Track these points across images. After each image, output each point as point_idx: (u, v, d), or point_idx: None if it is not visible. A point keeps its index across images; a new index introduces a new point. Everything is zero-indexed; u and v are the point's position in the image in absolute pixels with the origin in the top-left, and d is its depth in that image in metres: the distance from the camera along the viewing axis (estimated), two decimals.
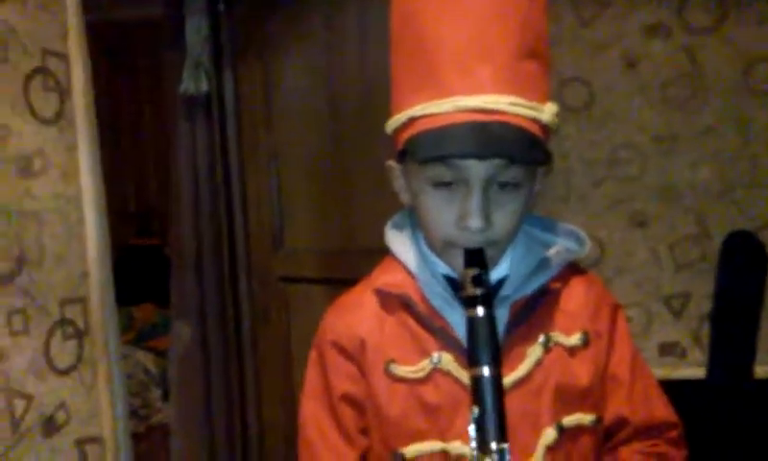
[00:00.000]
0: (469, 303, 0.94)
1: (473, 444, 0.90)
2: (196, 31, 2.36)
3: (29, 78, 1.55)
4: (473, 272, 0.94)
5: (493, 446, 0.89)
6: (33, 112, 1.54)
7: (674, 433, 1.09)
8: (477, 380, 0.91)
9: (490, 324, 0.92)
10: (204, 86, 2.42)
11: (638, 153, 2.17)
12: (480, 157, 0.92)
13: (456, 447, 0.97)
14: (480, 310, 0.92)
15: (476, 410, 0.90)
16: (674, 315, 2.20)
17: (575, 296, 1.06)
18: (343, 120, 2.30)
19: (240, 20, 2.55)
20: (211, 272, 2.68)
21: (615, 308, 1.10)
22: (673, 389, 2.20)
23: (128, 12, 2.66)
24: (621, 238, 2.20)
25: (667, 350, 2.23)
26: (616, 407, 1.06)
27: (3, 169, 1.44)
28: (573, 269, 1.09)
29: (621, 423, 1.07)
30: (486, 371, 0.90)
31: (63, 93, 1.59)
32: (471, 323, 0.93)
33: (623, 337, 1.08)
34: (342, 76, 2.24)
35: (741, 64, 2.08)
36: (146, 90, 3.19)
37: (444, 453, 1.00)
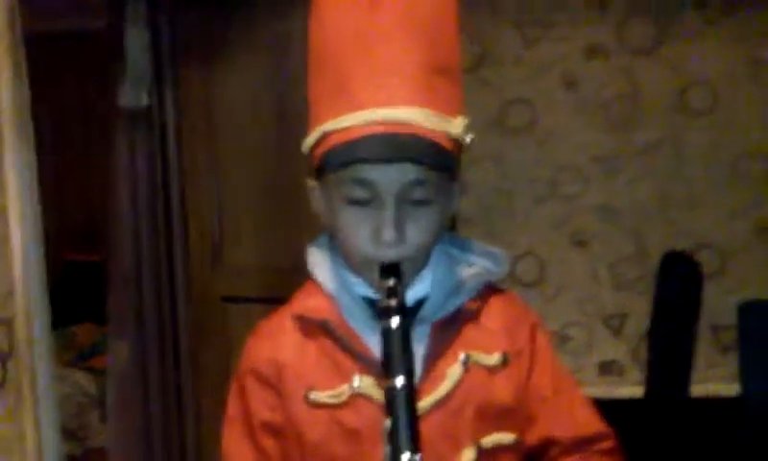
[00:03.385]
0: (384, 314, 0.94)
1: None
2: (136, 42, 2.33)
3: None
4: (388, 283, 0.95)
5: (405, 457, 0.88)
6: None
7: (607, 444, 1.08)
8: (390, 391, 0.90)
9: (403, 335, 0.93)
10: (144, 99, 2.39)
11: (579, 172, 2.22)
12: (387, 160, 0.93)
13: None
14: (394, 321, 0.93)
15: (388, 422, 0.89)
16: (613, 334, 2.25)
17: (494, 315, 1.07)
18: (289, 132, 2.29)
19: (182, 31, 2.52)
20: (150, 288, 2.63)
21: (535, 326, 1.10)
22: (612, 408, 2.25)
23: (70, 24, 2.60)
24: (562, 257, 2.24)
25: (607, 368, 2.27)
26: (542, 426, 1.06)
27: None
28: (492, 289, 1.10)
29: (549, 441, 1.06)
30: (398, 382, 0.90)
31: None
32: (386, 334, 0.93)
33: (544, 354, 1.09)
34: (287, 87, 2.22)
35: (678, 85, 2.15)
36: (93, 103, 3.15)
37: None
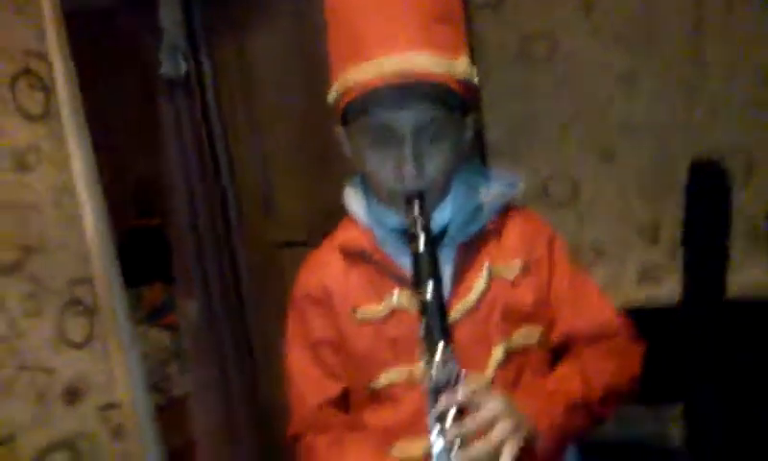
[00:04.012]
0: (412, 239, 1.07)
1: (423, 364, 1.03)
2: (169, 14, 2.44)
3: (14, 79, 1.67)
4: (413, 211, 1.08)
5: (438, 352, 1.01)
6: (22, 111, 1.65)
7: (623, 334, 1.20)
8: (422, 304, 1.04)
9: (430, 256, 1.05)
10: (183, 68, 2.51)
11: (602, 93, 2.26)
12: (400, 106, 1.05)
13: (417, 370, 1.08)
14: (421, 245, 1.05)
15: (423, 330, 1.03)
16: (648, 242, 2.31)
17: (513, 231, 1.19)
18: (321, 82, 2.39)
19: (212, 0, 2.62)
20: (209, 245, 2.79)
21: (551, 236, 1.22)
22: (652, 315, 2.33)
23: (105, 1, 2.72)
24: (591, 175, 2.31)
25: (644, 276, 2.34)
26: (564, 323, 1.18)
27: (0, 166, 1.56)
28: (511, 209, 1.22)
29: (571, 337, 1.18)
30: (429, 294, 1.03)
31: (48, 90, 1.70)
32: (415, 256, 1.06)
33: (561, 260, 1.20)
34: (314, 40, 2.30)
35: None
36: (130, 73, 3.27)
37: (410, 379, 1.13)
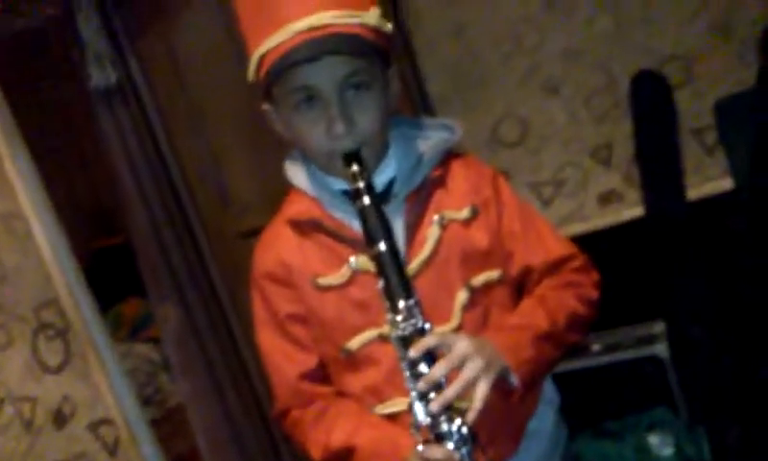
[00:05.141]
0: (356, 195, 1.08)
1: (388, 315, 1.05)
2: (88, 24, 2.41)
3: None
4: (353, 169, 1.09)
5: (401, 304, 1.03)
6: None
7: (576, 263, 1.22)
8: (376, 256, 1.05)
9: (376, 208, 1.07)
10: (113, 76, 2.48)
11: (536, 21, 2.27)
12: (313, 60, 1.05)
13: (387, 329, 1.09)
14: (366, 199, 1.07)
15: (382, 282, 1.05)
16: (604, 165, 2.35)
17: (458, 177, 1.21)
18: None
19: (130, 3, 2.58)
20: (174, 250, 2.78)
21: (495, 176, 1.24)
22: (616, 234, 2.37)
23: (20, 23, 2.66)
24: (538, 109, 2.33)
25: (605, 199, 2.38)
26: (519, 259, 1.20)
27: None
28: (453, 156, 1.23)
29: (526, 271, 1.21)
30: (381, 246, 1.05)
31: None
32: (361, 212, 1.07)
33: (508, 198, 1.22)
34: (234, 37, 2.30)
35: None
36: (68, 92, 3.23)
37: (382, 338, 1.14)
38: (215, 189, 2.73)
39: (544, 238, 1.22)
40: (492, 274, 1.19)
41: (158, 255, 2.77)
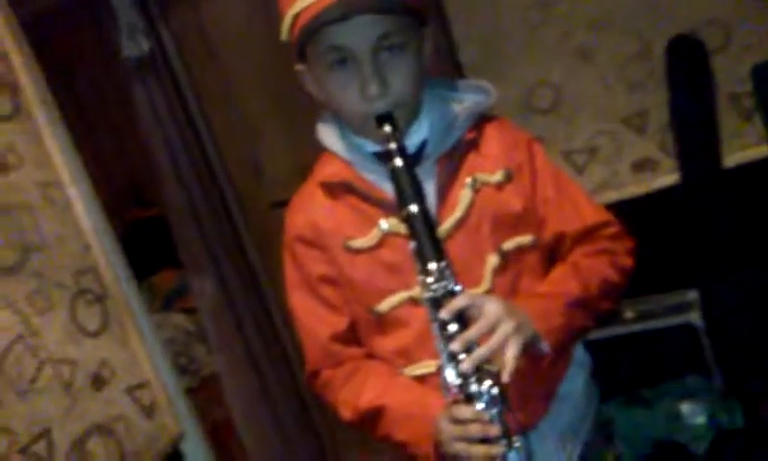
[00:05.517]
0: (387, 157, 1.08)
1: (419, 277, 1.05)
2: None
3: None
4: (385, 130, 1.08)
5: (433, 266, 1.03)
6: None
7: (611, 230, 1.21)
8: (408, 218, 1.05)
9: (408, 170, 1.07)
10: (145, 46, 2.50)
11: None
12: (347, 18, 1.04)
13: (418, 291, 1.10)
14: (398, 161, 1.07)
15: (413, 243, 1.05)
16: (638, 133, 2.31)
17: (491, 140, 1.20)
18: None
19: None
20: (209, 220, 2.81)
21: (530, 142, 1.23)
22: (652, 201, 2.34)
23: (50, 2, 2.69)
24: (571, 76, 2.30)
25: (640, 166, 2.35)
26: (552, 225, 1.19)
27: None
28: (486, 118, 1.22)
29: (560, 237, 1.20)
30: (413, 208, 1.05)
31: (13, 89, 1.71)
32: (393, 173, 1.07)
33: (542, 164, 1.21)
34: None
35: None
36: (100, 64, 3.26)
37: (412, 300, 1.15)
38: (248, 160, 2.74)
39: (579, 205, 1.21)
40: (525, 239, 1.18)
41: (193, 227, 2.81)
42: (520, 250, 1.18)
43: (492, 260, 1.15)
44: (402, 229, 1.11)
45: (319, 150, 1.26)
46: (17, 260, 1.60)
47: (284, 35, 1.14)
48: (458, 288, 1.04)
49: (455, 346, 1.01)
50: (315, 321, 1.24)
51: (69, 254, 1.73)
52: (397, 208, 1.08)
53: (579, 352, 1.28)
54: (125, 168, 4.32)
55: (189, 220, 2.82)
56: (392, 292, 1.17)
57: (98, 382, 1.73)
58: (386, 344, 1.21)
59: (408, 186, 1.06)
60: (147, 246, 4.12)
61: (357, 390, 1.20)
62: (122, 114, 2.91)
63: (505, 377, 0.99)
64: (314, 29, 1.06)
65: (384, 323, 1.19)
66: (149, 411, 1.87)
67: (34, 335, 1.59)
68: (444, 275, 1.03)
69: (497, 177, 1.18)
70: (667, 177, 2.32)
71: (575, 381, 1.24)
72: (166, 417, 1.94)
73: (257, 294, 3.00)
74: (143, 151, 2.82)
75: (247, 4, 2.45)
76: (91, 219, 1.80)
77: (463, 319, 1.03)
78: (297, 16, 1.09)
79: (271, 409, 3.04)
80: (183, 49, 2.68)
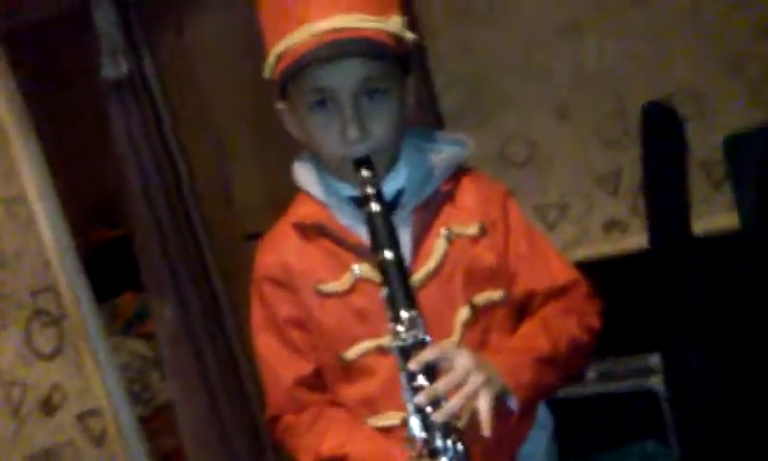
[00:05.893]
0: (365, 201, 1.07)
1: (389, 325, 1.03)
2: (105, 17, 2.42)
3: None
4: (363, 175, 1.08)
5: (404, 314, 1.02)
6: None
7: (581, 290, 1.21)
8: (381, 264, 1.04)
9: (384, 215, 1.06)
10: (124, 68, 2.49)
11: (548, 44, 2.28)
12: (331, 60, 1.04)
13: (387, 339, 1.07)
14: (374, 206, 1.06)
15: (385, 290, 1.03)
16: (610, 193, 2.34)
17: (467, 192, 1.20)
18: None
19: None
20: (175, 246, 2.78)
21: (505, 196, 1.23)
22: (620, 263, 2.35)
23: (36, 14, 2.67)
24: (548, 131, 2.33)
25: (610, 226, 2.37)
26: (523, 282, 1.19)
27: None
28: (463, 171, 1.22)
29: (530, 294, 1.19)
30: (388, 254, 1.03)
31: None
32: (369, 218, 1.06)
33: (516, 219, 1.21)
34: (254, 23, 2.30)
35: None
36: (77, 83, 3.22)
37: (380, 349, 1.13)
38: (220, 188, 2.74)
39: (550, 263, 1.21)
40: (495, 293, 1.17)
41: (159, 251, 2.77)
42: (491, 304, 1.17)
43: (463, 313, 1.15)
44: (375, 275, 1.09)
45: (292, 184, 1.24)
46: None
47: (267, 72, 1.13)
48: (428, 339, 1.02)
49: (422, 398, 0.99)
50: (280, 364, 1.21)
51: (28, 271, 1.70)
52: (371, 254, 1.07)
53: (542, 413, 1.26)
54: (95, 186, 4.27)
55: (155, 242, 2.80)
56: (360, 339, 1.15)
57: (48, 407, 1.69)
58: (351, 392, 1.18)
59: (383, 232, 1.05)
60: (111, 267, 4.06)
61: (319, 437, 1.17)
62: (96, 132, 2.88)
63: (486, 432, 0.97)
64: (298, 70, 1.06)
65: (350, 371, 1.17)
66: (98, 440, 1.82)
67: None
68: (414, 324, 1.02)
69: (472, 230, 1.17)
70: (636, 238, 2.35)
71: (537, 443, 1.22)
72: (116, 446, 1.88)
73: (219, 324, 2.96)
74: (115, 170, 2.80)
75: (230, 35, 2.46)
76: (55, 236, 1.77)
77: (431, 371, 1.01)
78: (281, 55, 1.09)
79: (224, 442, 2.98)
80: (164, 73, 2.68)
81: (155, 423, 3.44)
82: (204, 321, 2.92)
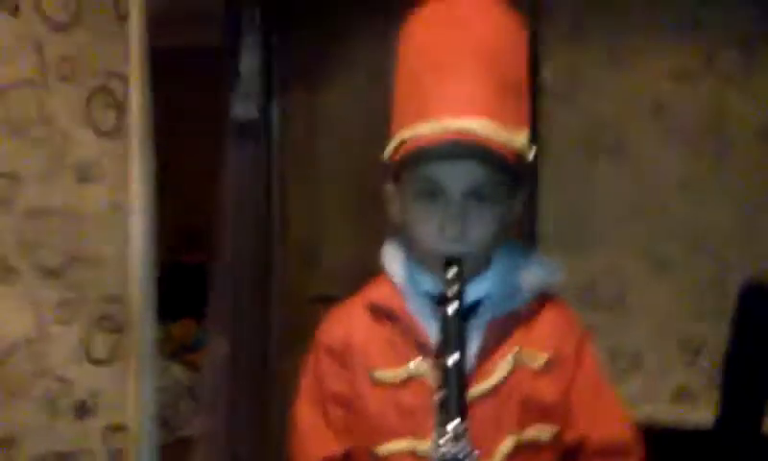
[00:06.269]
0: (443, 301, 1.04)
1: (435, 431, 0.99)
2: (249, 63, 2.54)
3: (92, 95, 1.74)
4: (450, 274, 1.05)
5: (452, 426, 0.97)
6: (93, 126, 1.71)
7: (637, 455, 1.14)
8: (443, 368, 1.01)
9: (460, 321, 1.03)
10: (254, 112, 2.58)
11: (663, 196, 2.24)
12: (451, 158, 1.05)
13: (424, 444, 1.04)
14: (451, 308, 1.03)
15: (440, 395, 1.00)
16: (688, 361, 2.25)
17: (546, 321, 1.16)
18: (382, 148, 2.46)
19: (290, 53, 2.71)
20: (248, 284, 2.81)
21: (582, 335, 1.18)
22: (683, 438, 2.23)
23: (189, 39, 2.83)
24: (642, 279, 2.26)
25: (680, 395, 2.26)
26: (579, 427, 1.13)
27: (63, 174, 1.61)
28: (547, 297, 1.18)
29: (582, 442, 1.13)
30: (451, 359, 1.00)
31: (121, 110, 1.77)
32: (444, 318, 1.03)
33: (588, 363, 1.16)
34: (381, 107, 2.38)
35: (765, 115, 2.14)
36: (205, 112, 3.37)
37: (415, 454, 1.09)
38: (309, 246, 2.78)
39: (612, 419, 1.15)
40: (545, 432, 1.12)
41: (231, 289, 2.81)
42: (538, 441, 1.13)
43: (509, 443, 1.10)
44: (429, 375, 1.07)
45: (378, 264, 1.24)
46: (58, 266, 1.60)
47: (387, 154, 1.15)
48: (476, 453, 0.99)
49: None
50: (312, 438, 1.19)
51: (107, 276, 1.74)
52: (435, 354, 1.05)
53: None
54: (186, 209, 4.41)
55: (229, 279, 2.83)
56: (397, 435, 1.12)
57: (82, 411, 1.69)
58: None
59: (454, 337, 1.02)
60: (178, 290, 4.14)
61: None
62: (205, 161, 2.97)
63: None
64: (417, 161, 1.07)
65: None
66: (116, 456, 1.81)
67: (44, 342, 1.58)
68: (461, 436, 0.98)
69: (540, 361, 1.13)
70: (703, 413, 2.23)
71: None
72: None
73: (263, 379, 2.94)
74: (210, 200, 2.88)
75: (355, 103, 2.54)
76: (144, 250, 1.82)
77: None
78: (404, 142, 1.10)
79: None
80: (286, 128, 2.76)
81: (173, 452, 3.41)
82: (250, 369, 2.91)
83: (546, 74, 2.24)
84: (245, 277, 2.82)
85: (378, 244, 1.26)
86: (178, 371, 4.41)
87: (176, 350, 4.52)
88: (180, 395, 4.34)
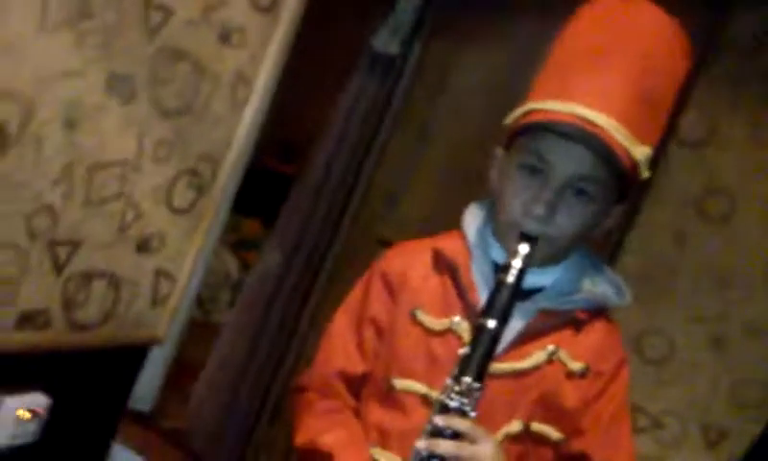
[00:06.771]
0: (504, 269, 1.06)
1: (448, 379, 1.03)
2: (405, 2, 2.53)
3: None
4: (519, 248, 1.07)
5: (466, 379, 1.00)
6: None
7: None
8: (479, 328, 1.03)
9: (513, 292, 1.04)
10: (395, 49, 2.58)
11: (750, 279, 2.17)
12: (567, 138, 1.05)
13: (436, 392, 1.08)
14: (510, 277, 1.05)
15: (465, 351, 1.02)
16: (707, 444, 2.20)
17: (594, 334, 1.17)
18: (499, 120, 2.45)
19: (445, 7, 2.71)
20: (324, 207, 2.85)
21: (622, 361, 1.20)
22: None
23: None
24: (693, 349, 2.22)
25: None
26: (586, 443, 1.15)
27: (207, 30, 1.64)
28: (603, 312, 1.19)
29: (583, 458, 1.15)
30: (491, 323, 1.02)
31: None
32: (498, 284, 1.05)
33: (618, 386, 1.17)
34: (509, 80, 2.33)
35: None
36: (346, 42, 3.36)
37: (426, 398, 1.13)
38: (393, 190, 2.79)
39: (619, 449, 1.17)
40: (553, 433, 1.15)
41: (307, 205, 2.85)
42: (543, 438, 1.15)
43: (514, 427, 1.13)
44: (466, 333, 1.10)
45: (457, 222, 1.28)
46: (175, 110, 1.64)
47: (510, 118, 1.17)
48: (472, 414, 1.01)
49: (423, 444, 0.98)
50: (339, 349, 1.24)
51: (211, 138, 1.78)
52: (478, 315, 1.07)
53: None
54: (296, 118, 4.48)
55: (309, 197, 2.87)
56: (417, 378, 1.16)
57: (143, 246, 1.75)
58: (376, 415, 1.19)
59: (501, 304, 1.04)
60: (260, 191, 4.25)
61: (324, 427, 1.18)
62: (327, 84, 2.99)
63: None
64: (537, 129, 1.08)
65: (389, 397, 1.18)
66: (155, 301, 1.88)
67: (135, 172, 1.64)
68: (470, 393, 1.01)
69: (575, 366, 1.15)
70: None
71: None
72: (161, 322, 1.94)
73: (304, 300, 2.98)
74: (320, 116, 2.91)
75: (490, 70, 2.52)
76: (251, 124, 1.85)
77: (454, 438, 1.00)
78: (532, 111, 1.11)
79: (233, 395, 2.97)
80: (417, 74, 2.77)
81: (201, 330, 3.53)
82: (294, 288, 2.95)
83: (683, 121, 2.19)
84: (323, 199, 2.86)
85: (456, 213, 1.29)
86: (230, 261, 4.56)
87: (235, 242, 4.67)
88: (222, 284, 4.48)
